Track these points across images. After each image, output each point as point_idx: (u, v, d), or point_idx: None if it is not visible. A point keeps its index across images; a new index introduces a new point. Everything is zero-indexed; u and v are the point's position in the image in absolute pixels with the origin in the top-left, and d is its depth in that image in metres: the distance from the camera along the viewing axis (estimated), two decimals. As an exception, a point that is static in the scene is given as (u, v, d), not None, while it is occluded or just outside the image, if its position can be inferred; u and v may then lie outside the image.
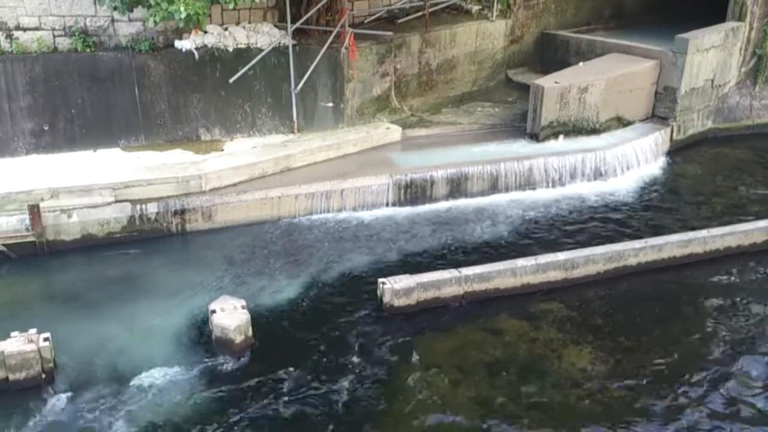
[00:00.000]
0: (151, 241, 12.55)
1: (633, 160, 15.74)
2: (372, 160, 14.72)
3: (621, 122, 16.61)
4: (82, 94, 13.74)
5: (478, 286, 11.14)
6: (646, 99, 16.95)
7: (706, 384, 9.55)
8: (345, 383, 9.37)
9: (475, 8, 18.43)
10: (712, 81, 17.45)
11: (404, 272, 11.11)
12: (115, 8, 12.82)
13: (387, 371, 9.65)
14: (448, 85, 17.98)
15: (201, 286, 11.31)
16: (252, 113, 14.98)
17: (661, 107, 17.00)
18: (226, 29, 14.55)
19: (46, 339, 9.24)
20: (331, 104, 15.44)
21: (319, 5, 15.09)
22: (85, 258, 12.07)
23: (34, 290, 11.53)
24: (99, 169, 13.15)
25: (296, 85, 14.78)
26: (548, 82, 15.58)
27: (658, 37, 17.67)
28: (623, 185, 15.21)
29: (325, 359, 9.80)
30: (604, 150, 15.38)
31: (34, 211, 11.73)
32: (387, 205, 13.95)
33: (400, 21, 17.52)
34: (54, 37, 13.70)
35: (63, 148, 13.84)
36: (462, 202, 14.28)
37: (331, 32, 14.92)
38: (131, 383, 9.21)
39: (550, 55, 19.23)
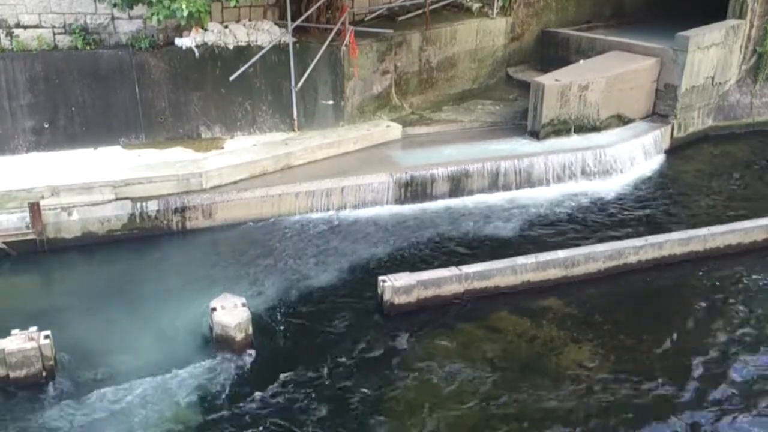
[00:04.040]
0: (152, 238, 12.55)
1: (633, 158, 15.74)
2: (372, 157, 14.73)
3: (621, 120, 16.60)
4: (83, 91, 13.74)
5: (478, 284, 11.15)
6: (646, 97, 16.95)
7: (706, 381, 9.56)
8: (345, 381, 9.37)
9: (476, 6, 18.42)
10: (713, 79, 17.44)
11: (404, 270, 11.12)
12: (114, 5, 12.82)
13: (387, 369, 9.65)
14: (449, 82, 17.96)
15: (201, 284, 11.30)
16: (252, 111, 14.97)
17: (662, 105, 17.00)
18: (226, 27, 14.54)
19: (46, 337, 9.25)
20: (331, 102, 15.44)
21: (320, 3, 15.09)
22: (85, 256, 12.08)
23: (35, 288, 11.58)
24: (99, 167, 13.16)
25: (296, 82, 14.78)
26: (549, 80, 15.57)
27: (658, 34, 17.67)
28: (623, 183, 15.21)
29: (324, 357, 9.81)
30: (604, 148, 15.38)
31: (35, 208, 11.74)
32: (387, 202, 13.95)
33: (400, 18, 17.52)
34: (54, 34, 13.69)
35: (63, 146, 13.85)
36: (463, 200, 14.28)
37: (331, 30, 14.91)
38: (131, 381, 9.20)
39: (551, 52, 19.22)
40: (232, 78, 14.15)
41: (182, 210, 12.81)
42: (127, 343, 9.95)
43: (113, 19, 13.90)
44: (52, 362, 9.28)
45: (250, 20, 15.03)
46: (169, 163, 13.40)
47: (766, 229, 12.80)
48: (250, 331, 9.87)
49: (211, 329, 9.95)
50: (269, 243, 12.60)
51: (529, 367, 9.76)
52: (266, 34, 14.71)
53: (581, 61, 17.27)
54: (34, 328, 9.32)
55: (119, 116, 14.10)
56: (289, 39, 14.57)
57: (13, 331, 9.25)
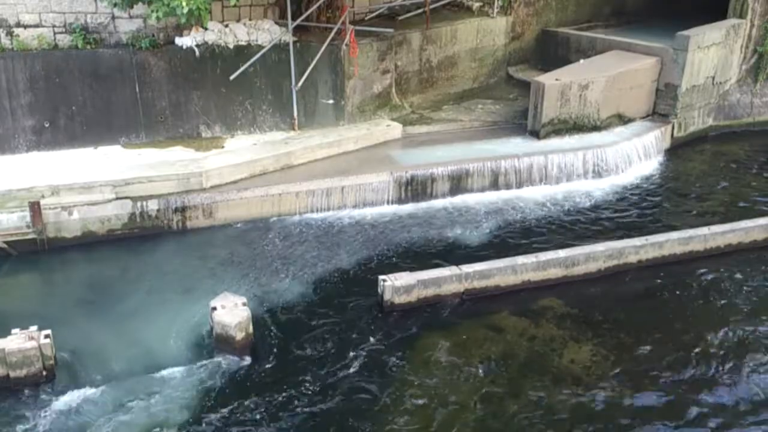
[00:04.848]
0: (152, 238, 12.55)
1: (633, 158, 15.73)
2: (373, 157, 14.72)
3: (622, 119, 16.59)
4: (83, 91, 13.74)
5: (478, 284, 11.15)
6: (646, 96, 16.94)
7: (705, 381, 9.56)
8: (345, 380, 9.38)
9: (476, 5, 18.43)
10: (713, 78, 17.44)
11: (405, 269, 11.12)
12: (115, 5, 12.80)
13: (387, 368, 9.65)
14: (449, 82, 17.97)
15: (201, 283, 11.32)
16: (253, 110, 14.98)
17: (662, 104, 16.99)
18: (226, 26, 14.55)
19: (46, 336, 9.25)
20: (331, 101, 15.44)
21: (320, 2, 15.10)
22: (85, 255, 12.07)
23: (35, 287, 11.58)
24: (100, 166, 13.17)
25: (297, 82, 14.78)
26: (549, 80, 15.57)
27: (659, 34, 17.67)
28: (623, 182, 15.21)
29: (325, 356, 9.81)
30: (604, 147, 15.38)
31: (35, 208, 11.74)
32: (388, 202, 13.95)
33: (400, 18, 17.53)
34: (54, 34, 13.70)
35: (64, 145, 13.85)
36: (463, 199, 14.28)
37: (331, 29, 14.91)
38: (131, 380, 9.21)
39: (551, 52, 19.22)
40: (232, 77, 14.15)
41: (182, 209, 12.81)
42: (127, 342, 9.96)
43: (113, 18, 13.91)
44: (52, 362, 9.28)
45: (250, 19, 15.04)
46: (169, 163, 13.41)
47: (767, 228, 12.80)
48: (251, 330, 9.88)
49: (211, 328, 9.96)
50: (270, 242, 12.60)
51: (529, 366, 9.76)
52: (266, 33, 14.72)
53: (581, 61, 17.27)
54: (34, 328, 9.33)
55: (119, 115, 14.11)
56: (289, 38, 14.57)
57: (14, 331, 9.26)
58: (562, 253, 11.63)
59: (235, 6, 13.53)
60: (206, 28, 14.23)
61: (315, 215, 13.49)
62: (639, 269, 12.03)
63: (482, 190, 14.50)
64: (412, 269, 11.13)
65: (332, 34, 14.82)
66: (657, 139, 16.48)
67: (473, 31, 18.03)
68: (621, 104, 16.45)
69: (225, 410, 8.83)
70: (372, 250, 12.45)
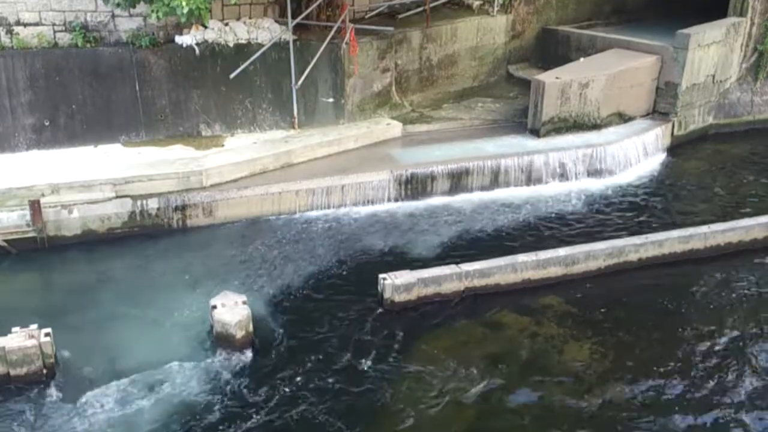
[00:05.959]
0: (152, 236, 12.55)
1: (633, 156, 15.72)
2: (373, 155, 14.72)
3: (622, 118, 16.58)
4: (83, 89, 13.74)
5: (478, 282, 11.15)
6: (647, 94, 16.93)
7: (705, 379, 9.56)
8: (345, 378, 9.38)
9: (476, 3, 18.42)
10: (713, 77, 17.42)
11: (405, 267, 11.12)
12: (117, 5, 12.80)
13: (387, 367, 9.65)
14: (449, 80, 17.96)
15: (201, 281, 11.32)
16: (253, 109, 14.97)
17: (662, 103, 16.98)
18: (226, 24, 14.54)
19: (47, 334, 9.26)
20: (331, 100, 15.43)
21: (320, 0, 15.08)
22: (85, 253, 12.09)
23: (35, 286, 11.59)
24: (100, 165, 13.17)
25: (297, 80, 14.77)
26: (549, 78, 15.56)
27: (659, 32, 17.64)
28: (623, 181, 15.20)
29: (325, 354, 9.81)
30: (604, 146, 15.36)
31: (35, 206, 11.75)
32: (388, 200, 13.96)
33: (400, 16, 17.52)
34: (54, 32, 13.69)
35: (64, 144, 13.86)
36: (463, 197, 14.29)
37: (331, 28, 14.91)
38: (132, 379, 9.22)
39: (551, 50, 19.20)
40: (232, 76, 14.14)
41: (182, 208, 12.81)
42: (127, 340, 9.96)
43: (114, 16, 13.90)
44: (52, 360, 9.29)
45: (250, 18, 15.03)
46: (169, 161, 13.41)
47: (767, 227, 12.79)
48: (251, 328, 9.88)
49: (211, 327, 9.96)
50: (270, 241, 12.60)
51: (529, 364, 9.76)
52: (266, 31, 14.71)
53: (582, 59, 17.24)
54: (34, 326, 9.33)
55: (119, 114, 14.11)
56: (289, 37, 14.57)
57: (14, 329, 9.27)
58: (562, 252, 11.63)
59: (235, 4, 13.53)
60: (206, 27, 14.22)
61: (315, 213, 13.49)
62: (639, 268, 12.02)
63: (482, 188, 14.50)
64: (412, 267, 11.14)
65: (332, 33, 14.81)
66: (657, 137, 16.47)
67: (473, 29, 18.02)
68: (621, 102, 16.44)
69: (225, 408, 8.83)
70: (371, 248, 12.45)
